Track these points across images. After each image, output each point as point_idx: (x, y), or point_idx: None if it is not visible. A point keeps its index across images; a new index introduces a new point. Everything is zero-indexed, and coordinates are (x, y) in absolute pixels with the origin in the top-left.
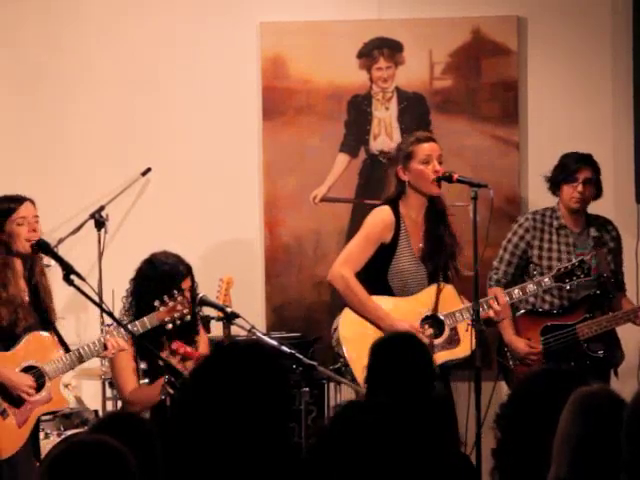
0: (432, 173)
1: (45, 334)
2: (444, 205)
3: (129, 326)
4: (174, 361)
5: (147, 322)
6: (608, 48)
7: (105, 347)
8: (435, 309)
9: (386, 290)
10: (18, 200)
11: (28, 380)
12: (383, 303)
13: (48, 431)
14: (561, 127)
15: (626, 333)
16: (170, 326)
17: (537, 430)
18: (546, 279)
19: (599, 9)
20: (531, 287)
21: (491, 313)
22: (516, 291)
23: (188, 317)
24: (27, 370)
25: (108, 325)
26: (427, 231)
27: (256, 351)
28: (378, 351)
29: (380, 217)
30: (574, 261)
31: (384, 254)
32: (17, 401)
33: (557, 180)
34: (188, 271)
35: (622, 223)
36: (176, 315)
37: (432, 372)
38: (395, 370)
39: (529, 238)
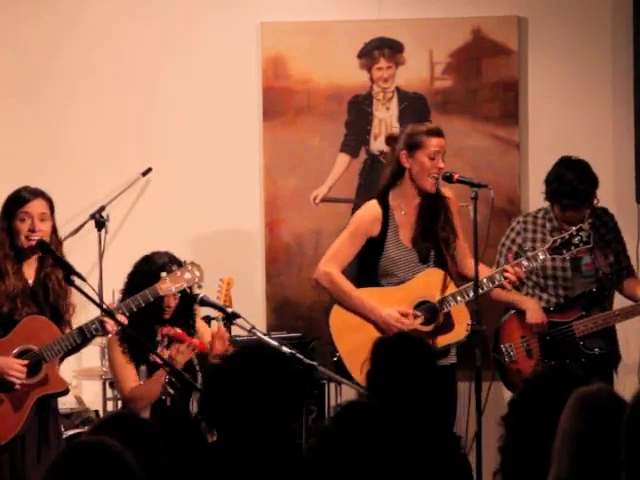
0: (435, 170)
1: (41, 317)
2: (442, 196)
3: (129, 302)
4: (171, 350)
5: (149, 293)
6: (608, 48)
7: (103, 327)
8: (427, 295)
9: (378, 282)
10: (33, 194)
11: (16, 364)
12: (373, 294)
13: None
14: (561, 127)
15: (628, 330)
16: (169, 307)
17: (543, 429)
18: (539, 253)
19: (599, 9)
20: (525, 263)
21: (506, 283)
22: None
23: (199, 286)
24: (23, 354)
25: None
26: (419, 218)
27: (272, 356)
28: (379, 355)
29: (365, 213)
30: (571, 229)
31: (373, 247)
32: (10, 386)
33: (561, 200)
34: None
35: (622, 223)
36: (184, 284)
37: (435, 374)
38: (397, 375)
39: (520, 241)
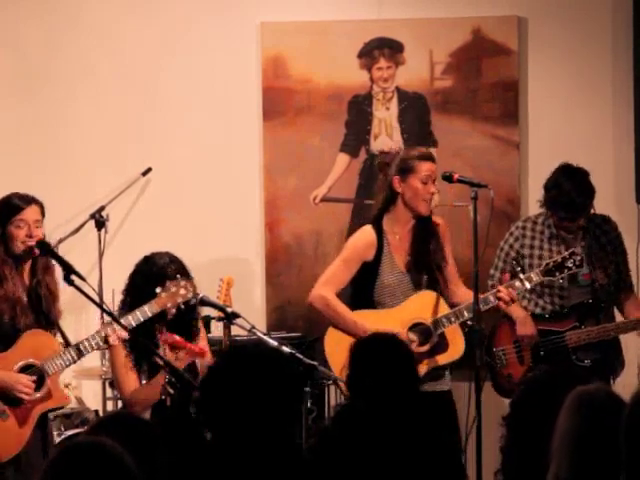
0: (427, 194)
1: (41, 331)
2: (433, 222)
3: (129, 317)
4: (170, 356)
5: (147, 310)
6: (608, 48)
7: (106, 340)
8: (421, 317)
9: (373, 306)
10: (26, 201)
11: (24, 379)
12: (368, 317)
13: None
14: (561, 127)
15: (628, 340)
16: (171, 315)
17: (544, 429)
18: (533, 275)
19: (599, 9)
20: (518, 284)
21: (501, 304)
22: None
23: (193, 300)
24: (25, 369)
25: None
26: (413, 242)
27: (269, 355)
28: (357, 353)
29: (360, 238)
30: (564, 253)
31: (368, 272)
32: (16, 402)
33: (557, 210)
34: (177, 273)
35: (622, 223)
36: (179, 300)
37: (414, 370)
38: (376, 372)
39: (518, 247)
